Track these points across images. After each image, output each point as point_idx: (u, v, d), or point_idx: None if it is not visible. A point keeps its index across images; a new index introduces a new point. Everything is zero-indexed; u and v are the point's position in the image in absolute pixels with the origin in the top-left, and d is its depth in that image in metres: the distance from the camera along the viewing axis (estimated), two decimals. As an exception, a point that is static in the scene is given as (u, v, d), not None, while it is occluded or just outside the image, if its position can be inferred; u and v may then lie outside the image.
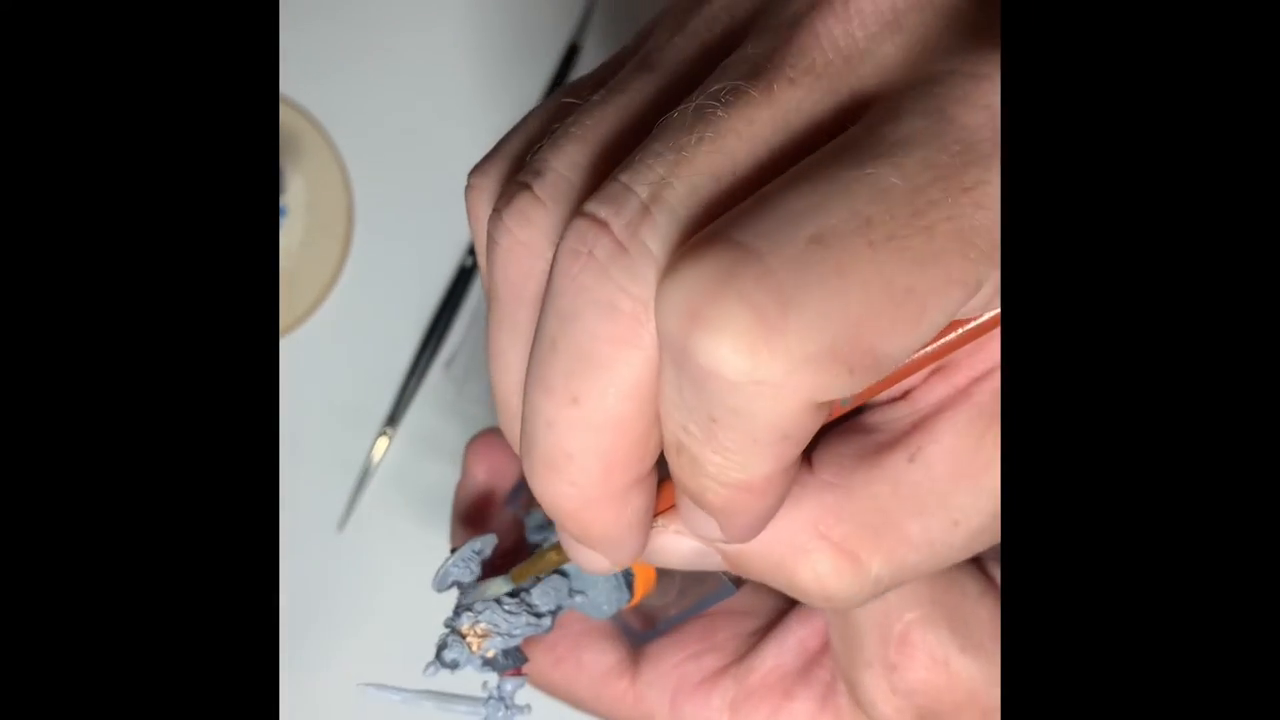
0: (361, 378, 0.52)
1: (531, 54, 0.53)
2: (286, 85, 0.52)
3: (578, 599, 0.30)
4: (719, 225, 0.19)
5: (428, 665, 0.29)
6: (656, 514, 0.24)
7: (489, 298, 0.24)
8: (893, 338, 0.19)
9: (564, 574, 0.30)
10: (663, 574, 0.30)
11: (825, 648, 0.31)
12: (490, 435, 0.35)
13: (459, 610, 0.29)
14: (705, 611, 0.32)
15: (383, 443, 0.51)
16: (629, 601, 0.30)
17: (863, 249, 0.19)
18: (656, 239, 0.20)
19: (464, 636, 0.29)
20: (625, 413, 0.21)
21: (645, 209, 0.20)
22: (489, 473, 0.34)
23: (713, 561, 0.25)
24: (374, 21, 0.54)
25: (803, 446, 0.20)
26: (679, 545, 0.24)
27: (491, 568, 0.31)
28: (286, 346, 0.51)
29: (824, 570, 0.23)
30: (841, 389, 0.19)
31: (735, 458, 0.20)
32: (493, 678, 0.30)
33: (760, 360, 0.19)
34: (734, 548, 0.24)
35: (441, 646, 0.29)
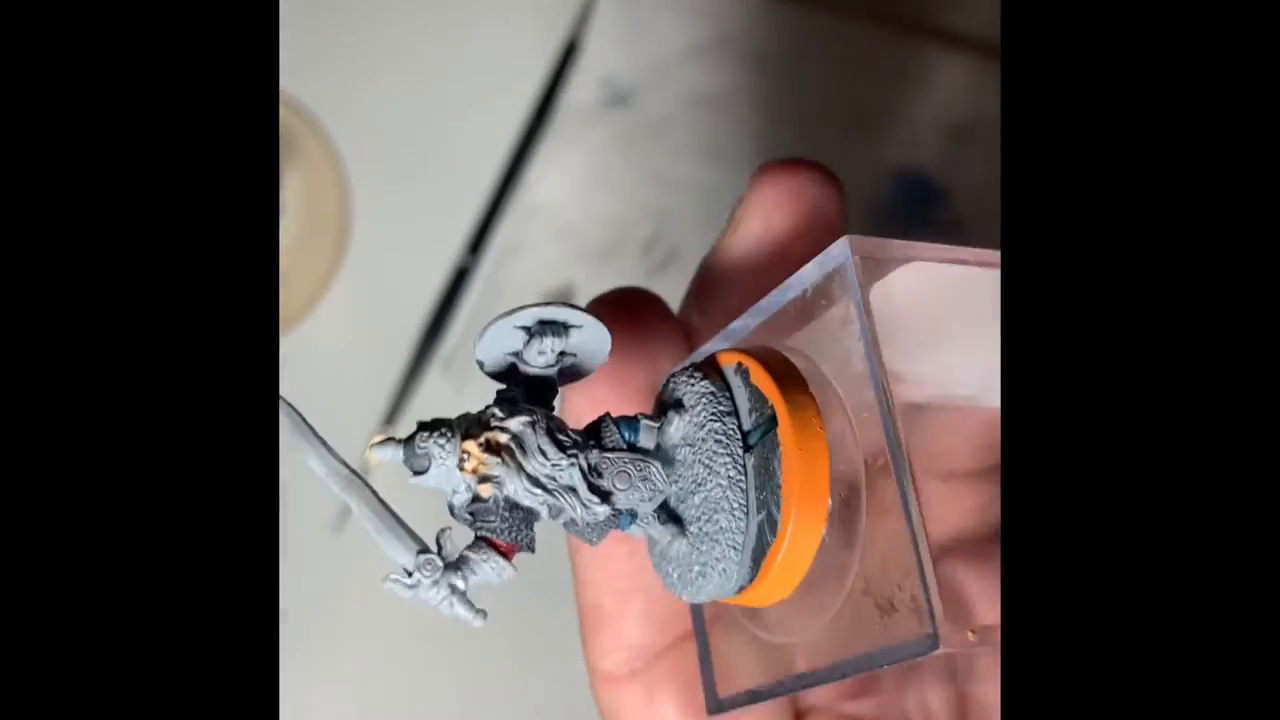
0: (359, 378, 0.52)
1: (530, 51, 0.53)
2: (283, 82, 0.52)
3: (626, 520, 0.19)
4: None
5: (383, 440, 0.20)
6: None
7: None
8: None
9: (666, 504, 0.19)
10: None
11: None
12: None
13: (500, 408, 0.18)
14: None
15: (381, 442, 0.51)
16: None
17: None
18: None
19: (466, 454, 0.19)
20: None
21: None
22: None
23: None
24: (371, 18, 0.54)
25: None
26: None
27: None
28: (283, 346, 0.51)
29: None
30: None
31: None
32: (462, 534, 0.19)
33: None
34: None
35: (427, 428, 0.19)
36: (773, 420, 0.19)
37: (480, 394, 0.52)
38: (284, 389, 0.51)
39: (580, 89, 0.52)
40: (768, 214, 0.22)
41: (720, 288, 0.23)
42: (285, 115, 0.52)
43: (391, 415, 0.51)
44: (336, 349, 0.52)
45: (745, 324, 0.21)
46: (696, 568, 0.19)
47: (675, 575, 0.20)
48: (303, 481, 0.51)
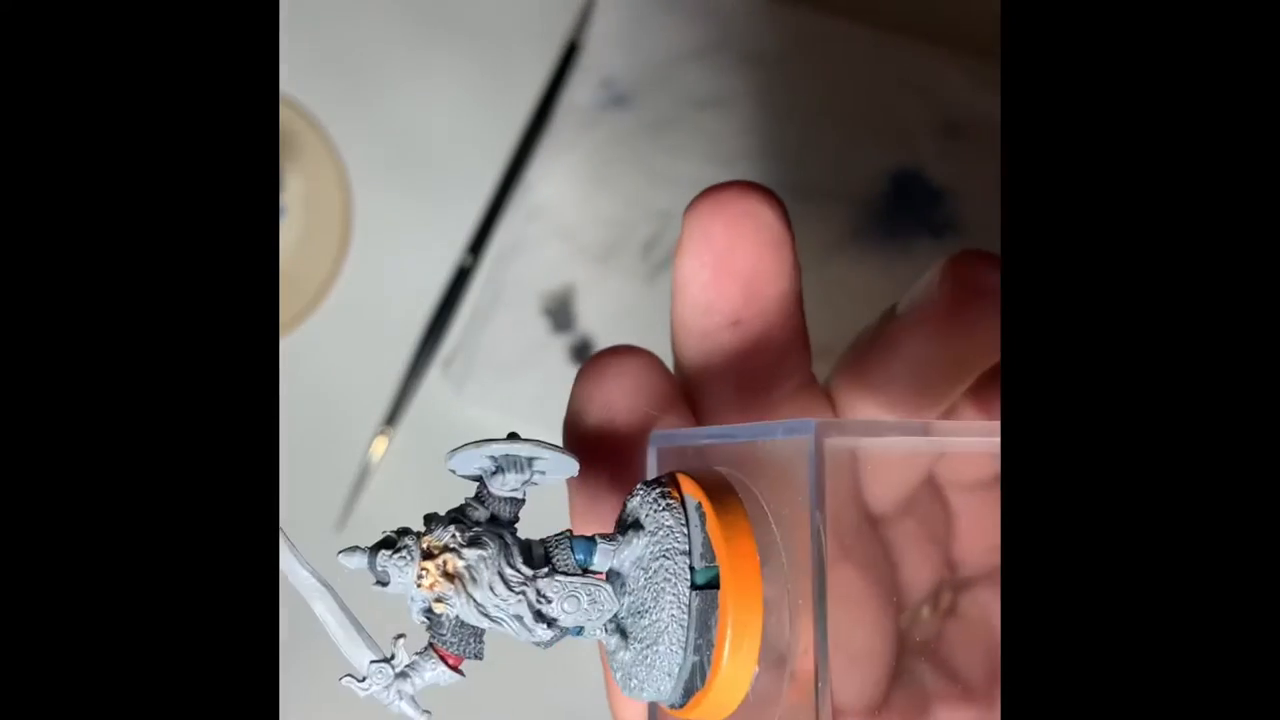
0: (360, 377, 0.52)
1: (530, 51, 0.53)
2: (284, 83, 0.52)
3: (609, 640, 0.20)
4: None
5: (350, 549, 0.20)
6: None
7: None
8: None
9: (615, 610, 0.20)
10: None
11: None
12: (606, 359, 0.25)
13: (455, 517, 0.20)
14: None
15: (381, 442, 0.51)
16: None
17: None
18: None
19: (424, 572, 0.20)
20: None
21: None
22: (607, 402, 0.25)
23: None
24: (372, 20, 0.54)
25: None
26: None
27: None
28: (284, 346, 0.51)
29: None
30: None
31: None
32: (415, 640, 0.20)
33: None
34: None
35: (385, 545, 0.20)
36: (718, 580, 0.20)
37: (480, 394, 0.52)
38: (287, 388, 0.51)
39: (580, 90, 0.52)
40: (707, 227, 0.24)
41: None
42: (287, 116, 0.52)
43: (392, 415, 0.51)
44: (336, 349, 0.52)
45: (714, 435, 0.22)
46: (635, 680, 0.21)
47: (619, 676, 0.21)
48: (303, 481, 0.51)
